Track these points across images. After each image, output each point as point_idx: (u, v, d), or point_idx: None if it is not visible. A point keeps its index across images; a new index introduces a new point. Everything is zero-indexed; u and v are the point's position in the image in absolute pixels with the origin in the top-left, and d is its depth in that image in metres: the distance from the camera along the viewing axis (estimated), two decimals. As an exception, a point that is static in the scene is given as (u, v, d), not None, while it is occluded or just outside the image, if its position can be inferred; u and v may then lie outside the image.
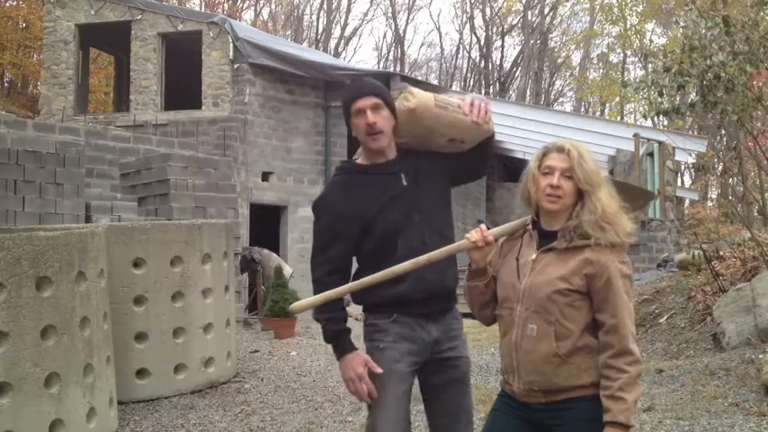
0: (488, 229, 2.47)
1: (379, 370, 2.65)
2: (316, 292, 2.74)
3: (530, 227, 2.45)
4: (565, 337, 2.28)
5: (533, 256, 2.37)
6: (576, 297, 2.29)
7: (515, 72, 36.51)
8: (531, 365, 2.31)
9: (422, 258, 2.53)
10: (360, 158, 2.84)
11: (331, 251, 2.72)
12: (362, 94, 2.72)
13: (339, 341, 2.72)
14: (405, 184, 2.74)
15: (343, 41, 36.21)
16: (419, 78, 26.70)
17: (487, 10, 36.35)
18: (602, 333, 2.28)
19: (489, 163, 2.93)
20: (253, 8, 34.91)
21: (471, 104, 2.70)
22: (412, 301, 2.69)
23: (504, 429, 2.43)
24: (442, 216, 2.81)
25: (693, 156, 14.60)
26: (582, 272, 2.29)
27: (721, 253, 8.08)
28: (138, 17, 14.57)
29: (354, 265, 2.77)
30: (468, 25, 37.46)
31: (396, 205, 2.71)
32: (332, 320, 2.72)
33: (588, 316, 2.30)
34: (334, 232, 2.73)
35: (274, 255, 11.90)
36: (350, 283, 2.65)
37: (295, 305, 2.65)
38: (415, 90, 2.75)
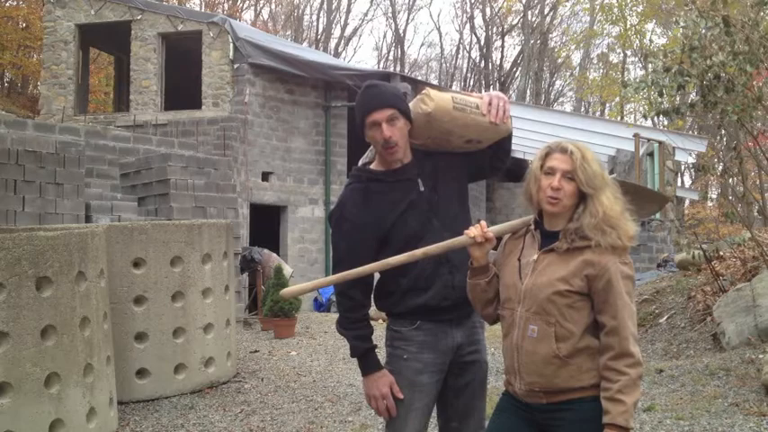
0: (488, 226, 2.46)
1: (401, 396, 2.67)
2: (340, 304, 2.76)
3: (532, 227, 2.45)
4: (565, 338, 2.28)
5: (535, 257, 2.37)
6: (576, 298, 2.29)
7: (515, 72, 36.51)
8: (532, 366, 2.31)
9: (418, 252, 2.52)
10: (374, 164, 2.80)
11: (351, 262, 2.65)
12: (377, 106, 2.66)
13: (366, 359, 2.72)
14: (422, 189, 2.71)
15: (343, 41, 36.25)
16: (419, 78, 26.68)
17: (487, 10, 36.39)
18: (602, 335, 2.28)
19: (508, 159, 2.87)
20: (253, 8, 34.96)
21: (489, 104, 2.65)
22: (438, 309, 2.68)
23: (506, 429, 2.43)
24: (461, 218, 2.76)
25: (693, 156, 14.63)
26: (582, 273, 2.28)
27: (721, 253, 8.09)
28: (138, 17, 14.56)
29: (376, 276, 2.71)
30: (468, 25, 37.62)
31: (414, 212, 2.68)
32: (359, 338, 2.71)
33: (589, 317, 2.30)
34: (352, 243, 2.69)
35: (274, 255, 11.89)
36: (338, 274, 2.60)
37: (285, 291, 2.64)
38: (434, 93, 2.69)
